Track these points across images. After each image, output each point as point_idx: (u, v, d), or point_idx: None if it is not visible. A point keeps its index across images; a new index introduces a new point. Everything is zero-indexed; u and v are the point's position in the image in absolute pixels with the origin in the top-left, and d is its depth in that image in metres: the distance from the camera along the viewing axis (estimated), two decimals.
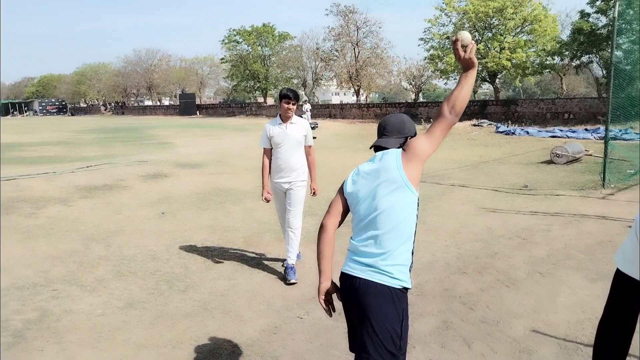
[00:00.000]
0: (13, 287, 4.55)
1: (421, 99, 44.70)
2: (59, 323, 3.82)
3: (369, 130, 23.60)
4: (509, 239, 5.78)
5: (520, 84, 33.82)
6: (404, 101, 39.19)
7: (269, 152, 4.73)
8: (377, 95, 60.56)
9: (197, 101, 57.27)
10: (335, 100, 71.47)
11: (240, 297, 4.30)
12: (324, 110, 38.05)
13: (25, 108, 74.27)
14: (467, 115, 24.42)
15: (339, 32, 41.59)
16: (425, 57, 34.72)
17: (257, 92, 53.56)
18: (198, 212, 7.58)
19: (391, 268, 2.07)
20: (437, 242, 5.75)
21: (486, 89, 47.08)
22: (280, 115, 4.69)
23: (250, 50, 51.03)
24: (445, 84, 37.63)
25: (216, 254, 5.47)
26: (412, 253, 2.15)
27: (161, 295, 4.37)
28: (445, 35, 31.08)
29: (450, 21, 31.12)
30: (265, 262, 5.20)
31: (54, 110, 70.70)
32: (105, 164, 12.84)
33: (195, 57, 65.19)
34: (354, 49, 41.53)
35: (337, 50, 42.72)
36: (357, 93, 41.99)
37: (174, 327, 3.74)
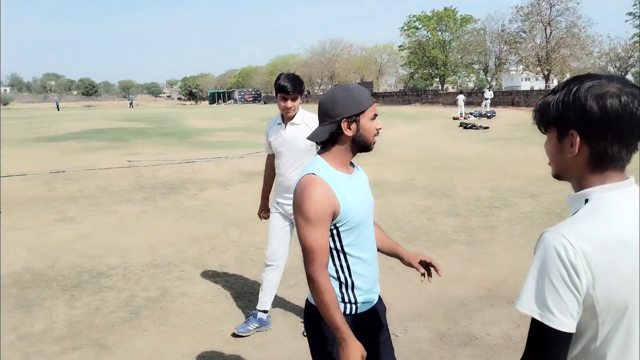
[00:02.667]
0: (151, 264, 4.99)
1: None
2: (172, 305, 4.04)
3: None
4: None
5: None
6: None
7: (272, 160, 3.57)
8: None
9: (375, 89, 57.99)
10: (525, 86, 65.82)
11: None
12: (505, 98, 35.22)
13: (228, 97, 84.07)
14: None
15: (529, 12, 38.01)
16: (634, 35, 29.64)
17: (435, 79, 52.08)
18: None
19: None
20: None
21: None
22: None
23: (430, 36, 49.81)
24: None
25: None
26: (342, 275, 1.74)
27: None
28: None
29: None
30: (387, 263, 4.83)
31: (250, 99, 78.60)
32: None
33: (375, 45, 66.18)
34: (545, 29, 37.53)
35: (524, 32, 39.12)
36: (547, 78, 37.98)
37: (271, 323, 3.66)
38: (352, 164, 1.80)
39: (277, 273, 3.51)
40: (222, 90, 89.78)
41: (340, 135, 1.67)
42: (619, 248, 1.02)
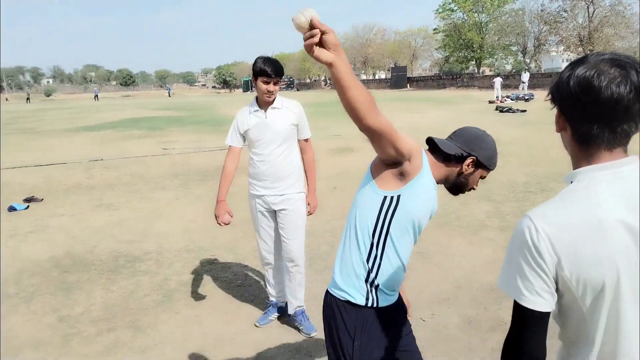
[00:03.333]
0: (185, 249, 5.11)
1: None
2: (204, 288, 4.13)
3: None
4: None
5: None
6: None
7: (237, 154, 3.27)
8: None
9: (409, 74, 57.16)
10: None
11: None
12: (545, 80, 34.18)
13: None
14: None
15: None
16: None
17: (470, 62, 50.88)
18: None
19: (338, 277, 1.71)
20: None
21: None
22: (257, 98, 3.22)
23: (466, 17, 48.65)
24: None
25: None
26: (371, 269, 1.65)
27: None
28: None
29: None
30: (417, 248, 4.78)
31: (284, 86, 78.71)
32: None
33: (409, 29, 64.98)
34: (588, 7, 36.03)
35: (565, 11, 37.64)
36: None
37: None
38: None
39: (302, 269, 3.39)
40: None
41: (457, 162, 1.69)
42: (586, 229, 1.01)
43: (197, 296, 3.99)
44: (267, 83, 3.05)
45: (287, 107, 3.23)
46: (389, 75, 61.12)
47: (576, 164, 1.11)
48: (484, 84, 38.12)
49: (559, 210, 1.04)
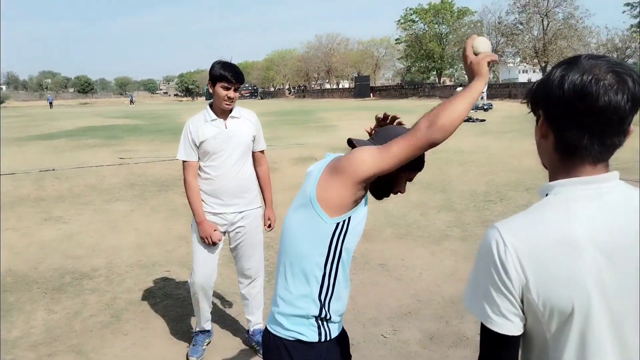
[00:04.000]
0: (137, 264, 4.86)
1: None
2: (155, 307, 3.91)
3: None
4: None
5: None
6: None
7: (196, 168, 2.96)
8: None
9: (372, 83, 57.81)
10: (523, 78, 65.71)
11: None
12: (502, 90, 35.16)
13: None
14: None
15: (526, 3, 37.93)
16: (632, 26, 29.52)
17: (432, 72, 51.92)
18: None
19: (282, 317, 1.53)
20: None
21: None
22: (211, 106, 2.97)
23: (427, 29, 49.61)
24: None
25: None
26: (324, 303, 1.52)
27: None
28: None
29: None
30: (377, 260, 4.71)
31: (247, 95, 78.17)
32: (268, 146, 13.50)
33: (372, 39, 65.92)
34: (542, 20, 37.45)
35: (521, 24, 39.01)
36: (544, 70, 37.84)
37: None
38: None
39: (260, 286, 3.22)
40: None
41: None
42: (559, 248, 0.91)
43: (147, 316, 3.76)
44: (228, 89, 2.84)
45: (245, 116, 3.04)
46: (352, 85, 61.65)
47: (553, 176, 1.01)
48: (445, 94, 38.88)
49: (530, 225, 0.94)
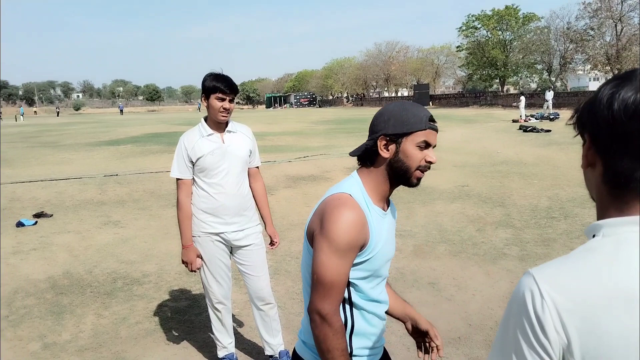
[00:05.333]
0: (185, 271, 4.88)
1: None
2: (198, 317, 3.90)
3: None
4: None
5: None
6: None
7: (190, 187, 2.86)
8: None
9: (432, 91, 56.83)
10: (594, 86, 62.46)
11: None
12: (570, 99, 33.47)
13: (284, 101, 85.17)
14: None
15: (597, 8, 35.92)
16: None
17: (494, 80, 50.33)
18: None
19: (303, 347, 1.50)
20: None
21: None
22: (205, 120, 2.89)
23: (490, 35, 48.21)
24: None
25: None
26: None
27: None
28: None
29: None
30: (427, 278, 4.50)
31: (306, 103, 79.15)
32: (321, 155, 13.51)
33: (432, 46, 64.70)
34: (616, 25, 35.31)
35: (592, 29, 36.99)
36: None
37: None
38: (387, 201, 1.50)
39: (275, 308, 3.09)
40: (278, 95, 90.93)
41: (376, 155, 1.39)
42: (612, 303, 0.73)
43: (190, 326, 3.76)
44: (223, 100, 2.75)
45: (242, 131, 2.95)
46: (411, 93, 60.90)
47: (602, 213, 0.85)
48: (508, 103, 37.48)
49: (574, 274, 0.78)
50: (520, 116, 24.80)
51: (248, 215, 2.94)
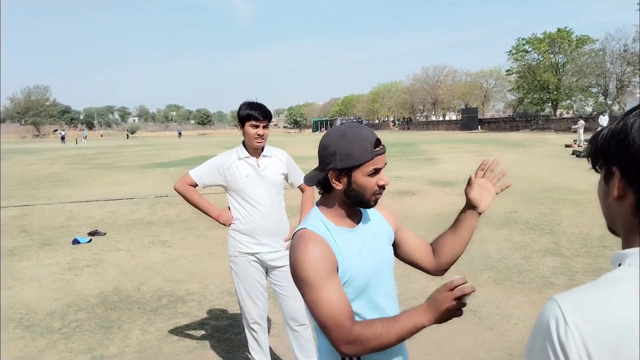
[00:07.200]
0: (227, 291, 5.00)
1: None
2: (238, 337, 3.97)
3: None
4: None
5: None
6: None
7: (191, 187, 3.06)
8: None
9: (480, 115, 55.91)
10: None
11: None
12: None
13: (330, 125, 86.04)
14: None
15: None
16: None
17: (546, 104, 48.98)
18: (424, 235, 7.12)
19: None
20: None
21: None
22: (244, 144, 3.04)
23: (541, 59, 47.13)
24: None
25: (407, 288, 4.92)
26: None
27: None
28: None
29: None
30: (469, 305, 4.39)
31: None
32: None
33: (481, 70, 63.99)
34: None
35: None
36: None
37: None
38: (360, 212, 1.53)
39: (309, 329, 3.07)
40: (324, 119, 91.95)
41: (329, 185, 1.43)
42: (635, 331, 0.73)
43: (230, 345, 3.84)
44: (257, 127, 2.91)
45: (276, 155, 3.09)
46: (459, 117, 60.09)
47: (629, 242, 0.85)
48: (561, 127, 36.38)
49: (599, 302, 0.78)
50: (575, 141, 24.01)
51: (280, 237, 3.02)
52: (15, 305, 4.75)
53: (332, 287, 1.31)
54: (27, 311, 4.60)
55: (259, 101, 3.00)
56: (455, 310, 1.25)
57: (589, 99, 48.96)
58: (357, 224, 1.49)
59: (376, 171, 1.40)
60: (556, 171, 14.50)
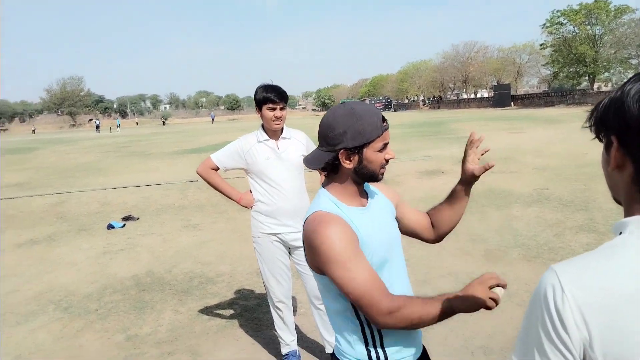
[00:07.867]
0: (256, 272, 5.06)
1: None
2: (266, 315, 4.03)
3: None
4: None
5: None
6: None
7: (213, 170, 3.15)
8: None
9: (513, 91, 54.47)
10: None
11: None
12: None
13: None
14: None
15: None
16: None
17: (583, 77, 47.29)
18: None
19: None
20: None
21: None
22: (263, 127, 3.05)
23: (577, 31, 45.40)
24: None
25: (435, 266, 4.89)
26: (374, 347, 1.44)
27: None
28: None
29: None
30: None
31: (381, 107, 78.70)
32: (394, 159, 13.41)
33: (513, 45, 62.05)
34: None
35: None
36: None
37: None
38: (365, 192, 1.52)
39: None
40: (353, 100, 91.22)
41: (338, 166, 1.42)
42: (633, 299, 0.72)
43: (258, 323, 3.92)
44: (274, 109, 2.92)
45: (295, 137, 3.11)
46: (491, 94, 58.69)
47: (629, 210, 0.84)
48: (598, 101, 35.16)
49: (597, 269, 0.77)
50: None
51: (301, 218, 3.01)
52: (54, 289, 4.96)
53: (364, 263, 1.33)
54: (66, 294, 4.80)
55: (274, 83, 3.00)
56: (487, 301, 1.30)
57: (628, 70, 47.00)
58: (367, 203, 1.50)
59: (385, 146, 1.41)
60: (593, 147, 14.01)
